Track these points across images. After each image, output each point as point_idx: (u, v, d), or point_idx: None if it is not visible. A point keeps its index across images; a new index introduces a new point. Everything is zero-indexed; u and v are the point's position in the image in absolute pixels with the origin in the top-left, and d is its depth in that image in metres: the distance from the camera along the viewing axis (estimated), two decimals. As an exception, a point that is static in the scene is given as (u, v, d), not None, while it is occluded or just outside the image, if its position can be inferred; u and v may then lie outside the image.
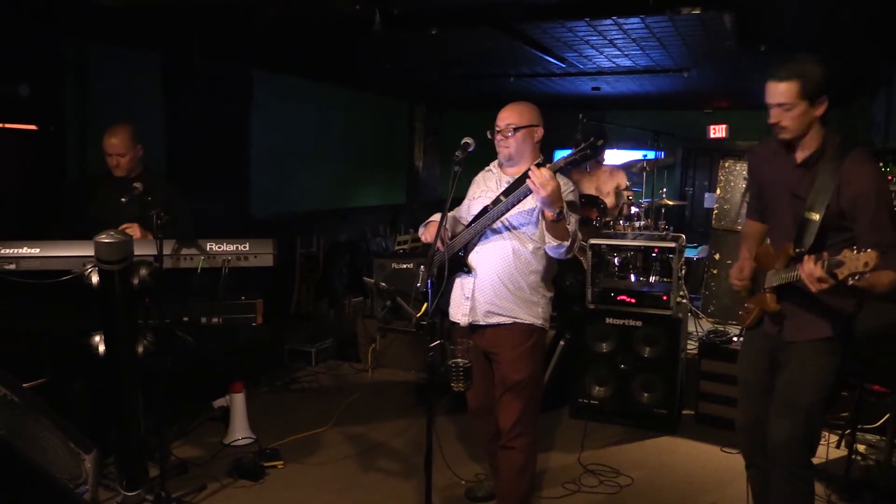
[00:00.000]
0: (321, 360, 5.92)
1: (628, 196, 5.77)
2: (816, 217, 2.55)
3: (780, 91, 2.55)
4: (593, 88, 7.99)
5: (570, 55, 5.77)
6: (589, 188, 6.14)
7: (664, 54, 5.67)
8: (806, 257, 2.40)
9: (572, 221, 2.96)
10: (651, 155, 6.53)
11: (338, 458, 4.17)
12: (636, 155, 7.43)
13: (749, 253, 2.95)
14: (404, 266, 5.51)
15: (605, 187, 6.19)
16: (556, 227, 2.85)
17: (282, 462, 4.01)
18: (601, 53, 5.66)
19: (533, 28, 4.84)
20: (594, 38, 5.03)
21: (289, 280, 7.23)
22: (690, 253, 7.00)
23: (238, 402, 4.29)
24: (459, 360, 2.72)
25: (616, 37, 4.98)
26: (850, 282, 2.24)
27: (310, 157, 8.06)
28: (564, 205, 2.84)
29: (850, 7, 4.37)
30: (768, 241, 2.96)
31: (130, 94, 5.55)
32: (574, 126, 6.34)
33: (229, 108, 6.52)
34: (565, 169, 2.81)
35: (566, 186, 3.00)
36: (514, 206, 2.95)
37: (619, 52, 5.59)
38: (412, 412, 4.84)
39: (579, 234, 3.03)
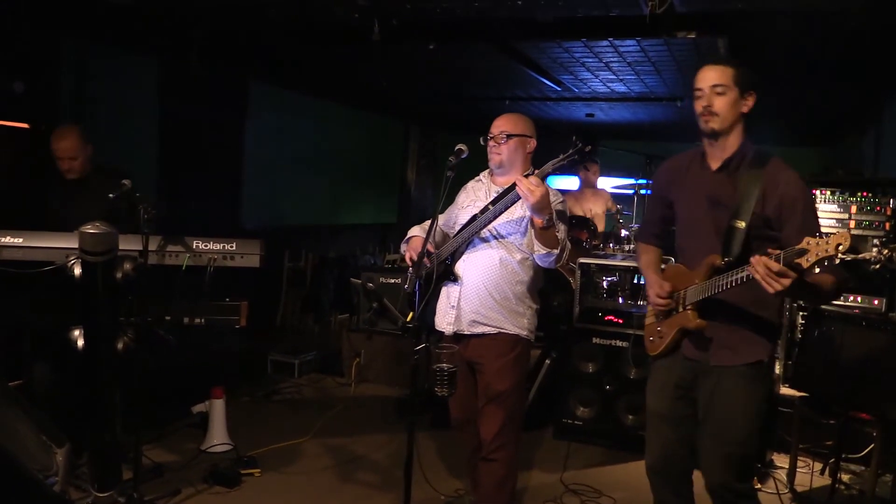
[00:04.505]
0: (304, 372, 5.87)
1: (618, 217, 5.78)
2: (743, 225, 2.43)
3: (715, 73, 2.49)
4: (587, 115, 8.05)
5: (565, 77, 5.81)
6: (579, 210, 6.16)
7: (659, 80, 5.72)
8: (755, 257, 2.22)
9: (561, 230, 2.95)
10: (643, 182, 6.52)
11: (317, 468, 4.10)
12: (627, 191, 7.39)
13: (657, 275, 2.77)
14: (392, 281, 5.50)
15: (595, 208, 6.22)
16: (545, 234, 2.84)
17: (259, 470, 3.94)
18: (596, 77, 5.71)
19: (530, 47, 4.88)
20: (590, 59, 5.08)
21: (275, 293, 7.19)
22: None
23: (217, 408, 4.23)
24: (444, 364, 2.68)
25: (612, 59, 5.03)
26: (817, 270, 2.09)
27: (303, 172, 8.05)
28: (553, 212, 2.84)
29: (841, 41, 4.43)
30: (672, 261, 2.86)
31: (126, 96, 5.53)
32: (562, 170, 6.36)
33: (225, 116, 6.51)
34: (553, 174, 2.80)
35: (555, 197, 2.99)
36: (501, 213, 2.95)
37: (614, 77, 5.64)
38: (394, 427, 4.78)
39: (568, 244, 3.03)
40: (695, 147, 2.71)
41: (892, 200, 4.49)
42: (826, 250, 2.05)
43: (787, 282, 2.15)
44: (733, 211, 2.46)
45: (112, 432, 3.16)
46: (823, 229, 2.50)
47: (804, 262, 2.10)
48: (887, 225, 4.49)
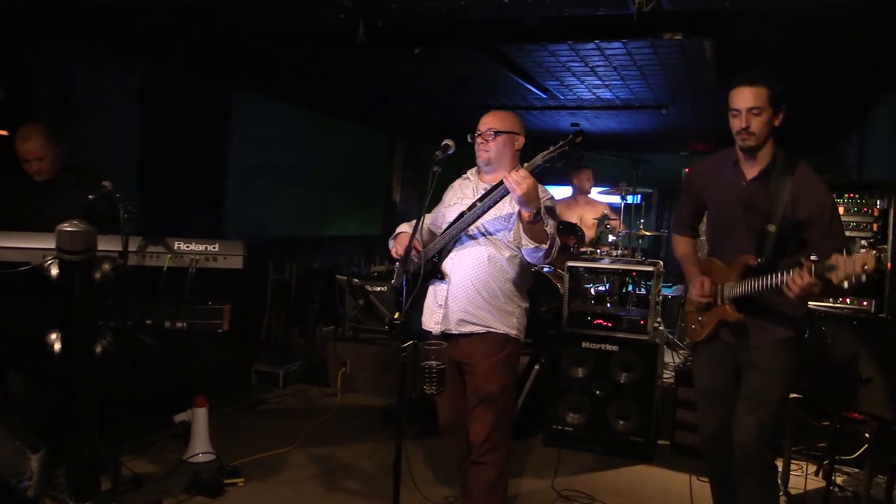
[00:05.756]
0: (289, 382, 5.78)
1: (608, 223, 5.76)
2: (773, 228, 2.72)
3: (750, 94, 2.69)
4: (572, 125, 8.02)
5: (551, 83, 5.79)
6: (572, 217, 6.13)
7: (644, 86, 5.71)
8: (794, 270, 2.51)
9: (550, 224, 2.90)
10: (629, 199, 6.49)
11: (302, 477, 4.01)
12: (614, 196, 7.37)
13: (695, 269, 3.04)
14: (378, 288, 5.43)
15: (587, 217, 6.20)
16: (533, 228, 2.79)
17: (243, 480, 3.85)
18: (582, 83, 5.69)
19: (516, 51, 4.85)
20: (576, 64, 5.06)
21: (259, 306, 7.07)
22: (665, 292, 6.98)
23: (200, 417, 4.12)
24: (433, 361, 2.62)
25: (598, 63, 5.00)
26: (846, 285, 2.33)
27: (287, 183, 7.97)
28: (542, 206, 2.79)
29: (827, 46, 4.44)
30: (705, 255, 3.12)
31: (108, 103, 5.44)
32: (552, 163, 6.34)
33: (208, 125, 6.42)
34: (543, 167, 2.75)
35: (543, 193, 2.95)
36: (490, 208, 2.90)
37: (600, 82, 5.63)
38: (381, 436, 4.70)
39: (558, 240, 2.98)
40: (721, 153, 2.96)
41: (878, 201, 4.49)
42: (854, 268, 2.32)
43: (815, 290, 2.47)
44: (765, 215, 2.75)
45: (90, 441, 3.06)
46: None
47: (834, 278, 2.37)
48: (875, 226, 4.48)
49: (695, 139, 9.09)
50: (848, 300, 4.43)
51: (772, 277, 2.63)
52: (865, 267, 2.29)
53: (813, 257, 2.49)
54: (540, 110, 7.20)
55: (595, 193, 6.74)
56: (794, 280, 2.49)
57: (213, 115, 6.52)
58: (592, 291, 5.03)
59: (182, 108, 5.95)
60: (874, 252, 2.29)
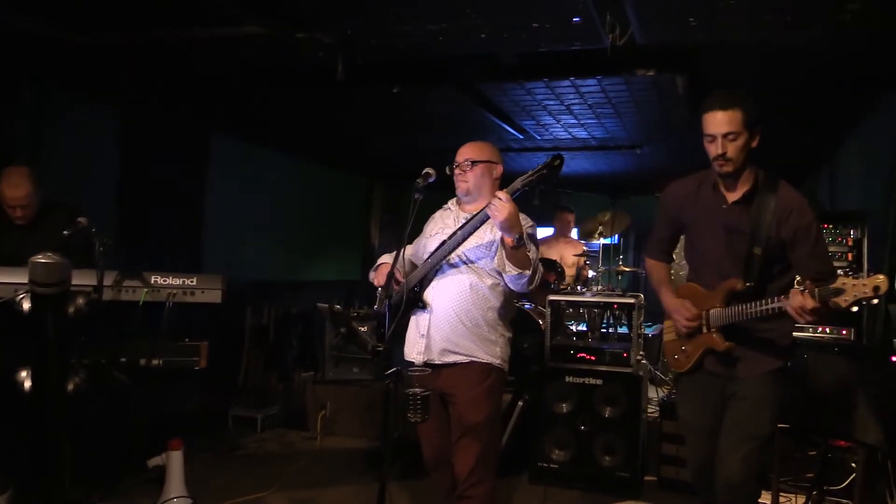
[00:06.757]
0: (267, 427, 5.66)
1: (584, 261, 5.79)
2: (759, 251, 2.61)
3: (726, 119, 2.55)
4: (549, 166, 8.11)
5: (528, 123, 5.87)
6: (552, 256, 6.16)
7: (619, 124, 5.81)
8: (793, 291, 2.41)
9: (532, 250, 2.90)
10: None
11: (281, 521, 3.89)
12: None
13: (677, 298, 2.89)
14: (359, 328, 5.37)
15: (567, 256, 6.24)
16: (516, 254, 2.78)
17: (219, 524, 3.71)
18: (558, 122, 5.77)
19: (493, 89, 4.91)
20: (552, 102, 5.13)
21: (237, 350, 6.95)
22: (647, 330, 6.98)
23: (175, 461, 3.98)
24: (417, 389, 2.57)
25: (573, 101, 5.08)
26: (855, 308, 2.26)
27: (265, 227, 7.94)
28: (524, 231, 2.78)
29: (798, 81, 4.55)
30: (684, 281, 3.02)
31: (86, 144, 5.41)
32: (528, 202, 6.41)
33: (186, 169, 6.40)
34: (522, 191, 2.75)
35: (525, 221, 2.95)
36: (470, 234, 2.89)
37: (575, 121, 5.71)
38: (362, 478, 4.57)
39: (540, 266, 2.97)
40: (697, 174, 2.87)
41: (852, 231, 4.56)
42: (864, 292, 2.20)
43: (818, 314, 2.34)
44: (750, 238, 2.64)
45: (60, 483, 2.94)
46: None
47: (842, 302, 2.26)
48: (850, 255, 4.54)
49: (669, 180, 9.21)
50: (828, 329, 4.46)
51: (766, 302, 2.52)
52: (877, 289, 2.18)
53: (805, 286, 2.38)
54: (517, 152, 7.28)
55: (574, 233, 6.80)
56: (792, 303, 2.38)
57: (192, 158, 6.50)
58: (573, 329, 5.03)
59: (160, 151, 5.93)
60: (884, 276, 2.18)
